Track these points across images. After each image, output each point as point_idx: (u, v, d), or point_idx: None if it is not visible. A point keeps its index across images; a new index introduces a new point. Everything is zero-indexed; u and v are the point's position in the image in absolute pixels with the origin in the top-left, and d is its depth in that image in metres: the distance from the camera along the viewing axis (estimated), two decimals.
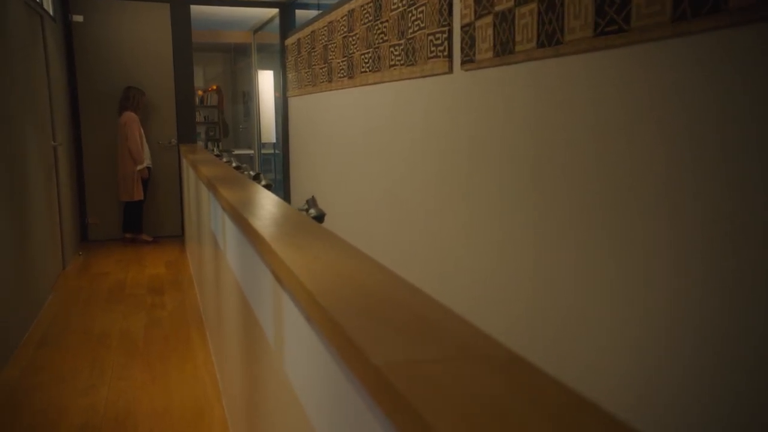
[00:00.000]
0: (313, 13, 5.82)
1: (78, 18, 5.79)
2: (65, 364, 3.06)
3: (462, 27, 2.68)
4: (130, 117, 5.73)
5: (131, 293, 4.31)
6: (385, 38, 3.61)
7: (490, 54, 2.46)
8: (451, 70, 2.85)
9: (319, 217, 2.21)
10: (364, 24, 3.95)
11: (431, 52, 3.02)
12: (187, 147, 5.63)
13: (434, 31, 2.96)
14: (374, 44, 3.79)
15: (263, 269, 1.55)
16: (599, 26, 1.82)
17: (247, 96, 10.49)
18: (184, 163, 5.28)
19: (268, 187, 3.25)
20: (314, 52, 5.21)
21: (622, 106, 1.79)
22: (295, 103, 6.21)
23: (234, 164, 4.28)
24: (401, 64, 3.40)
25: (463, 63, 2.70)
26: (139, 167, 5.75)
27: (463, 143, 2.78)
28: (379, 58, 3.73)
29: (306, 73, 5.54)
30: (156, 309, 3.95)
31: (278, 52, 6.64)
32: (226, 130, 10.96)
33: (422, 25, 3.10)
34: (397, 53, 3.45)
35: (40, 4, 4.63)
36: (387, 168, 3.73)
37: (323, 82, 4.99)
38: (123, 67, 5.98)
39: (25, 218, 3.64)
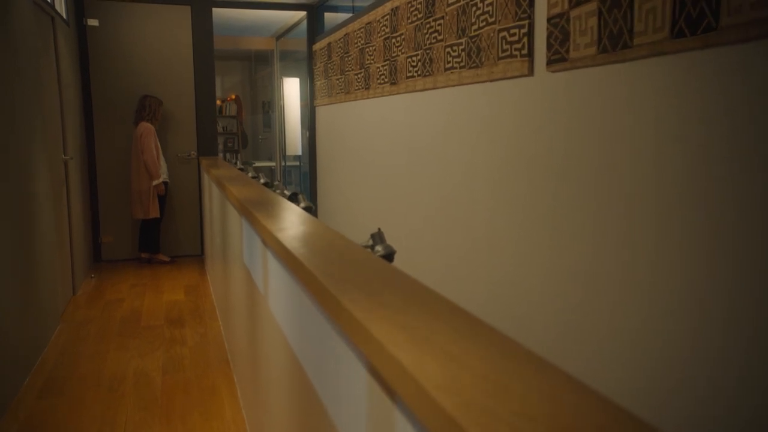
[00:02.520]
0: (344, 16, 5.38)
1: (93, 22, 5.40)
2: (70, 418, 2.61)
3: (549, 19, 2.21)
4: (147, 128, 5.31)
5: (147, 325, 3.85)
6: (440, 37, 3.14)
7: (592, 50, 1.98)
8: (531, 72, 2.37)
9: (389, 256, 1.74)
10: (412, 23, 3.50)
11: (503, 51, 2.55)
12: (208, 160, 5.19)
13: (508, 26, 2.49)
14: (424, 45, 3.33)
15: (349, 356, 1.07)
16: None
17: (268, 106, 10.09)
18: (206, 178, 4.84)
19: (308, 209, 2.79)
20: (348, 56, 4.77)
21: None
22: (323, 112, 5.77)
23: (262, 180, 3.83)
24: (461, 67, 2.93)
25: (549, 63, 2.22)
26: (155, 182, 5.32)
27: (546, 158, 2.30)
28: (430, 60, 3.26)
29: (338, 80, 5.09)
30: (175, 345, 3.49)
31: (302, 59, 6.22)
32: (245, 141, 10.56)
33: (491, 20, 2.63)
34: (455, 54, 2.98)
35: (52, 5, 4.23)
36: (438, 184, 3.25)
37: (359, 89, 4.53)
38: (140, 75, 5.57)
39: (31, 241, 3.20)
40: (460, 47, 2.92)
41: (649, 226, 1.80)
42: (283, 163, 8.15)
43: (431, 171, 3.35)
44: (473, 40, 2.80)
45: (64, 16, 4.78)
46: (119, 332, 3.72)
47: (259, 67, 10.19)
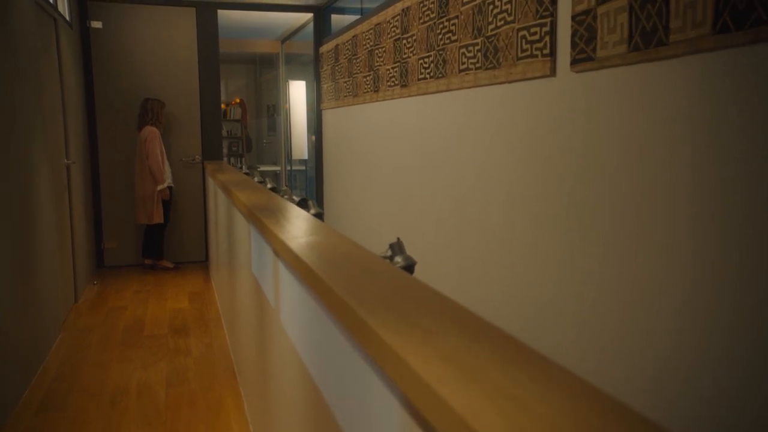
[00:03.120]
0: (351, 18, 5.28)
1: (96, 24, 5.31)
2: None
3: (574, 17, 2.10)
4: (152, 132, 5.21)
5: (151, 334, 3.74)
6: (454, 38, 3.04)
7: (622, 48, 1.87)
8: (553, 73, 2.26)
9: (409, 267, 1.63)
10: (424, 23, 3.39)
11: (523, 51, 2.44)
12: (213, 165, 5.09)
13: (528, 24, 2.38)
14: (437, 46, 3.23)
15: (377, 385, 0.96)
16: None
17: (273, 109, 10.00)
18: (211, 183, 4.74)
19: (319, 216, 2.69)
20: (356, 58, 4.66)
21: None
22: (330, 116, 5.66)
23: (269, 185, 3.73)
24: (476, 68, 2.82)
25: (574, 63, 2.11)
26: (160, 187, 5.22)
27: (567, 160, 2.18)
28: (444, 62, 3.16)
29: (345, 82, 4.99)
30: (180, 355, 3.38)
31: (308, 62, 6.12)
32: (250, 145, 10.47)
33: (509, 19, 2.52)
34: (470, 55, 2.87)
35: (54, 7, 4.14)
36: (452, 188, 3.14)
37: (367, 92, 4.43)
38: (144, 78, 5.48)
39: (31, 247, 3.10)
40: (476, 48, 2.82)
41: (674, 230, 1.68)
42: (288, 168, 8.05)
43: (444, 175, 3.24)
44: (490, 40, 2.69)
45: (67, 17, 4.69)
46: (122, 341, 3.61)
47: (264, 70, 10.11)
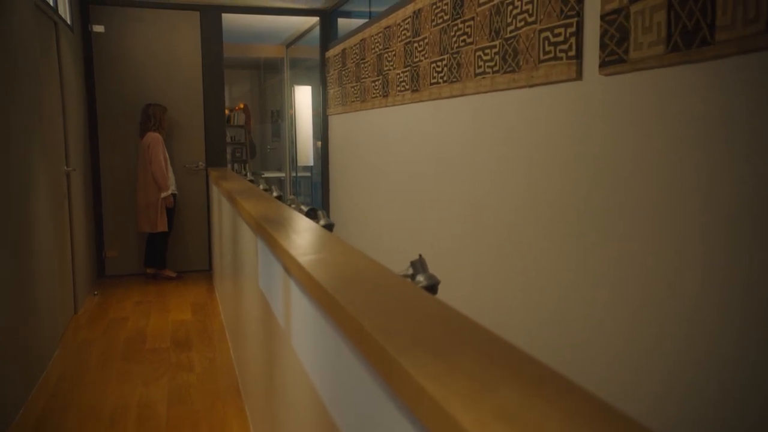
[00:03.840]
0: (358, 22, 5.17)
1: (98, 28, 5.20)
2: None
3: (603, 16, 1.97)
4: (155, 138, 5.09)
5: (152, 347, 3.61)
6: (469, 40, 2.91)
7: (658, 49, 1.73)
8: (579, 76, 2.13)
9: (433, 288, 1.49)
10: (437, 25, 3.26)
11: (545, 53, 2.30)
12: (217, 172, 4.97)
13: (552, 25, 2.25)
14: (451, 49, 3.10)
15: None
16: None
17: (277, 115, 9.89)
18: (215, 190, 4.62)
19: (329, 227, 2.55)
20: (364, 63, 4.54)
21: None
22: (337, 121, 5.54)
23: (275, 193, 3.60)
24: (494, 72, 2.69)
25: (603, 65, 1.97)
26: (163, 194, 5.10)
27: (589, 169, 2.05)
28: (458, 65, 3.03)
29: (353, 87, 4.87)
30: (182, 371, 3.25)
31: (314, 67, 6.01)
32: (253, 151, 10.36)
33: (530, 20, 2.39)
34: (487, 58, 2.74)
35: (54, 9, 4.02)
36: (467, 194, 3.01)
37: (376, 97, 4.30)
38: (147, 83, 5.36)
39: (28, 258, 2.97)
40: (494, 50, 2.69)
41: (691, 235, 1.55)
42: (293, 174, 7.92)
43: (459, 182, 3.11)
44: (509, 42, 2.56)
45: (68, 21, 4.58)
46: (122, 356, 3.47)
47: (268, 75, 10.01)
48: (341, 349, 1.14)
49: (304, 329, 1.46)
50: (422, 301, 1.08)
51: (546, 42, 2.30)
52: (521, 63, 2.48)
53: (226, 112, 9.89)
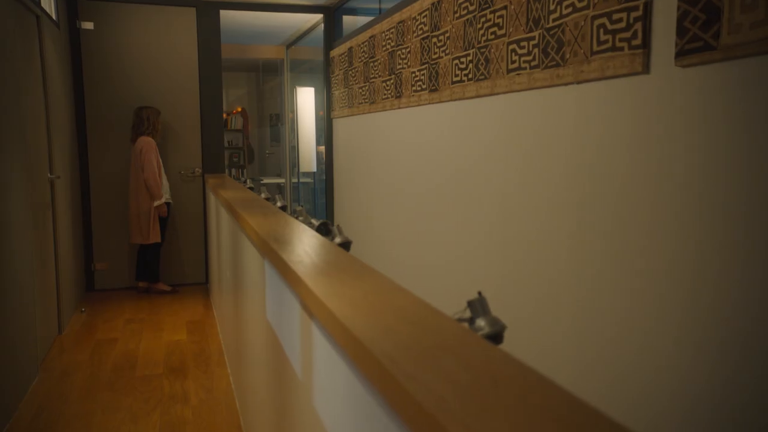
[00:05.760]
0: (364, 19, 4.84)
1: (87, 25, 4.86)
2: None
3: None
4: (148, 143, 4.74)
5: (143, 374, 3.26)
6: (500, 32, 2.58)
7: (763, 31, 1.40)
8: (645, 69, 1.80)
9: (497, 337, 1.16)
10: (461, 17, 2.94)
11: (600, 43, 1.98)
12: (215, 179, 4.63)
13: (609, 10, 1.92)
14: (478, 43, 2.77)
15: None
16: None
17: (276, 119, 9.55)
18: (212, 199, 4.27)
19: (346, 245, 2.22)
20: (374, 61, 4.21)
21: None
22: (342, 124, 5.20)
23: (279, 203, 3.27)
24: (531, 67, 2.36)
25: (682, 54, 1.64)
26: (156, 203, 4.75)
27: (653, 185, 1.71)
28: (486, 61, 2.70)
29: (360, 88, 4.54)
30: (176, 403, 2.90)
31: (315, 68, 5.68)
32: (252, 156, 10.02)
33: (580, 5, 2.06)
34: (523, 52, 2.41)
35: (37, 2, 3.68)
36: (494, 207, 2.67)
37: (387, 98, 3.97)
38: (140, 84, 5.02)
39: (1, 277, 2.63)
40: (532, 43, 2.36)
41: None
42: (295, 180, 7.58)
43: (484, 191, 2.77)
44: (551, 32, 2.23)
45: (54, 16, 4.23)
46: (109, 385, 3.12)
47: (267, 77, 9.68)
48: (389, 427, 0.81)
49: (333, 393, 1.12)
50: (499, 363, 0.76)
51: (601, 30, 1.97)
52: (567, 56, 2.15)
53: (224, 115, 9.56)
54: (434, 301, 1.10)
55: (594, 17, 2.00)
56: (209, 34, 5.15)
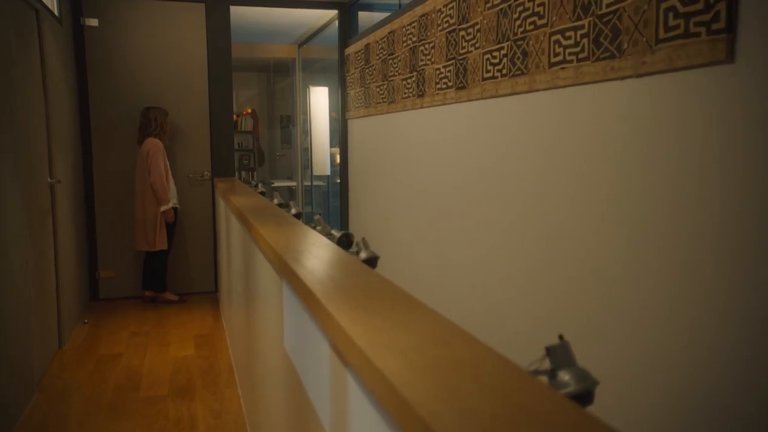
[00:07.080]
0: (380, 15, 4.59)
1: (92, 21, 4.64)
2: None
3: None
4: (155, 145, 4.51)
5: (147, 395, 3.02)
6: (541, 22, 2.32)
7: None
8: (729, 58, 1.54)
9: (587, 396, 0.90)
10: (492, 8, 2.68)
11: (668, 29, 1.71)
12: (224, 183, 4.39)
13: None
14: (513, 35, 2.51)
15: None
16: None
17: (287, 120, 9.32)
18: (221, 204, 4.04)
19: (371, 261, 1.97)
20: (393, 58, 3.96)
21: None
22: (358, 125, 4.95)
23: (293, 210, 3.01)
24: (578, 60, 2.10)
25: None
26: (163, 208, 4.52)
27: (743, 193, 1.45)
28: (524, 55, 2.44)
29: (378, 87, 4.29)
30: (182, 430, 2.65)
31: (328, 67, 5.43)
32: (262, 159, 9.79)
33: None
34: (568, 44, 2.15)
35: None
36: (534, 216, 2.41)
37: (408, 97, 3.72)
38: (146, 83, 4.79)
39: None
40: (580, 32, 2.09)
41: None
42: (307, 183, 7.34)
43: (521, 198, 2.51)
44: (603, 20, 1.97)
45: (56, 12, 4.01)
46: (110, 407, 2.88)
47: (278, 77, 9.44)
48: None
49: None
50: None
51: (671, 14, 1.70)
52: (625, 46, 1.89)
53: (234, 117, 9.33)
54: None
55: (660, 1, 1.74)
56: (219, 31, 4.92)
